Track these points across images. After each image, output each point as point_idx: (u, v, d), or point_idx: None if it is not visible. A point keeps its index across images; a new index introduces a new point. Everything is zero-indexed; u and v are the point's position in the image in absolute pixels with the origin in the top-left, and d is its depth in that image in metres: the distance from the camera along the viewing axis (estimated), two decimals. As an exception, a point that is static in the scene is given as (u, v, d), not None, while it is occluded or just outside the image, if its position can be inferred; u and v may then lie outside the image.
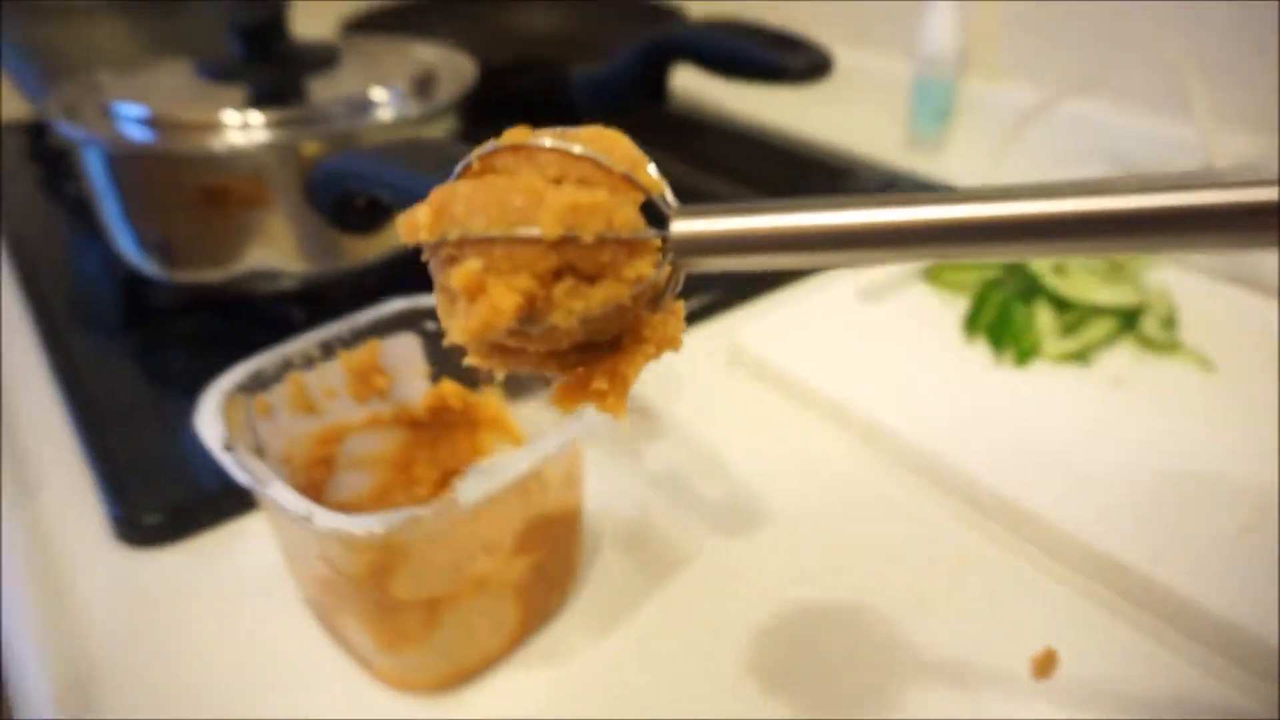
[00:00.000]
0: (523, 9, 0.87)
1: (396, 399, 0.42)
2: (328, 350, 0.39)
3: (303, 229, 0.47)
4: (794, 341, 0.54)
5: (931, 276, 0.60)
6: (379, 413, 0.42)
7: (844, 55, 0.82)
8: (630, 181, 0.23)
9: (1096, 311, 0.55)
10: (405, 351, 0.41)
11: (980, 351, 0.55)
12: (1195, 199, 0.20)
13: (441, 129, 0.53)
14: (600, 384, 0.25)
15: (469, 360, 0.26)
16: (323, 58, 0.51)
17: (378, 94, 0.50)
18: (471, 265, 0.22)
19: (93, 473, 0.45)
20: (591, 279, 0.23)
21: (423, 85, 0.54)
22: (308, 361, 0.39)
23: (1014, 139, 0.80)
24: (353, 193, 0.42)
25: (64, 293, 0.62)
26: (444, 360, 0.42)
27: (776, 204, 0.24)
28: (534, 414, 0.42)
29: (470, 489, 0.31)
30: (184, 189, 0.45)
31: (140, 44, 0.64)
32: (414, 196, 0.35)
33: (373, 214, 0.46)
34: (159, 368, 0.54)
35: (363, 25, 0.84)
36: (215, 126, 0.44)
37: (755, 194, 0.75)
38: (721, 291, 0.59)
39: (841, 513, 0.45)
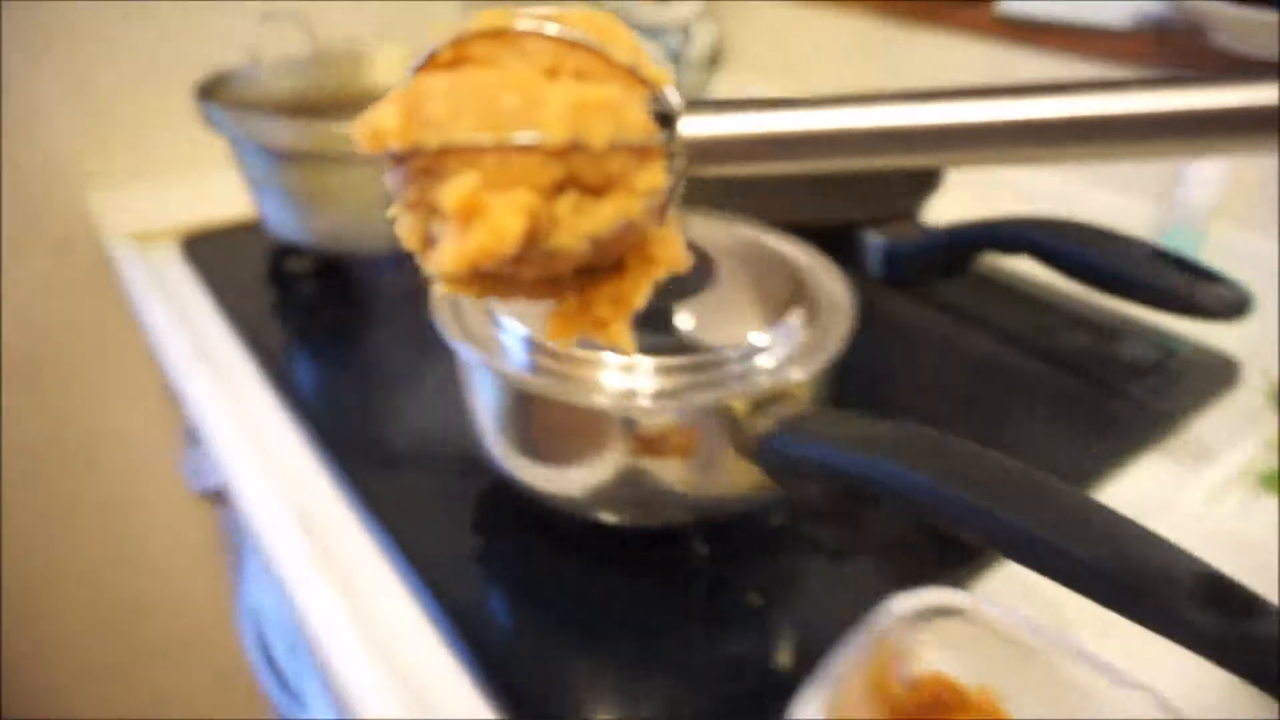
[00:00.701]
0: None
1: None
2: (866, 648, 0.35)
3: (703, 469, 0.41)
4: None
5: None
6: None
7: (1081, 195, 0.79)
8: (635, 75, 0.20)
9: None
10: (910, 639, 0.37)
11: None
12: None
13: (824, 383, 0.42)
14: (602, 311, 0.22)
15: (442, 289, 0.21)
16: (699, 272, 0.43)
17: (761, 337, 0.40)
18: (466, 181, 0.18)
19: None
20: (597, 191, 0.19)
21: (809, 311, 0.43)
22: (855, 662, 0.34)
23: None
24: (815, 473, 0.37)
25: (378, 467, 0.50)
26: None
27: (801, 100, 0.20)
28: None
29: None
30: (574, 430, 0.41)
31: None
32: (880, 488, 0.32)
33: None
34: (528, 589, 0.43)
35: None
36: (597, 365, 0.39)
37: (999, 343, 0.64)
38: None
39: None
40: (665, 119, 0.20)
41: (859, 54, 1.00)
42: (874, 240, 0.60)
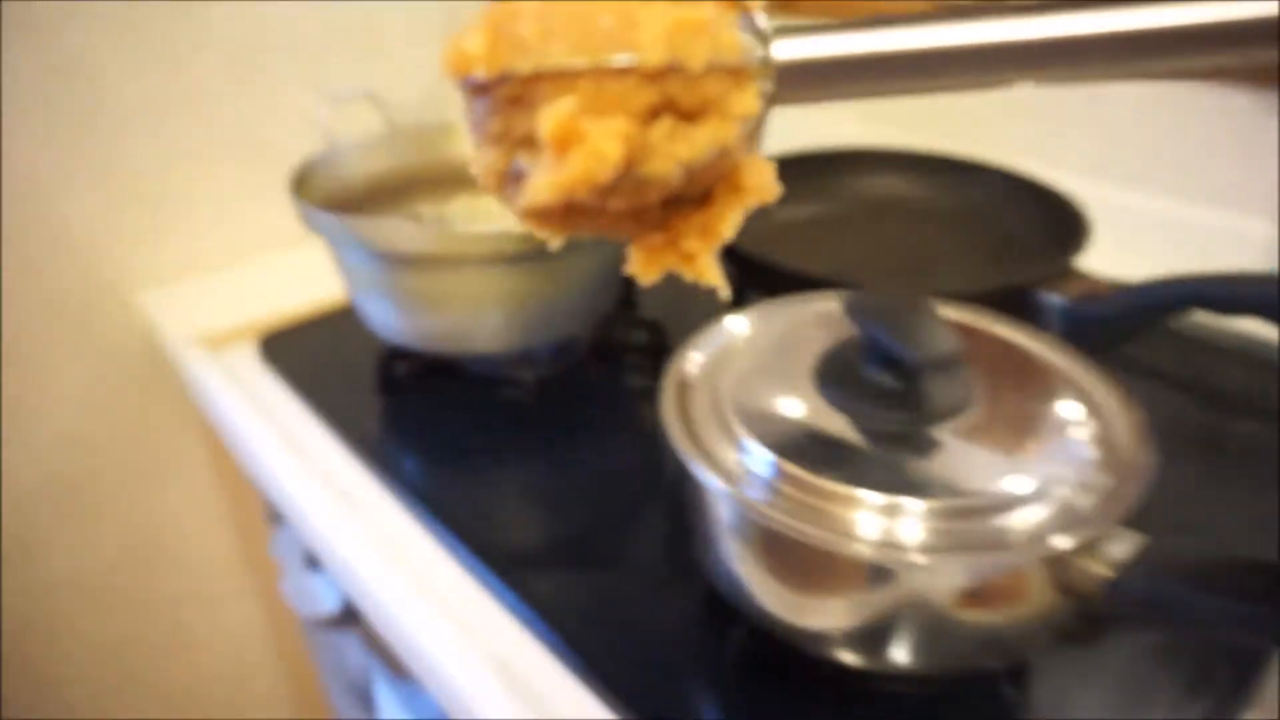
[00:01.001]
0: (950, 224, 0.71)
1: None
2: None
3: (1022, 616, 0.35)
4: None
5: None
6: None
7: (1193, 214, 0.74)
8: None
9: None
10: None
11: None
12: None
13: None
14: (690, 244, 0.21)
15: (525, 225, 0.20)
16: (955, 385, 0.37)
17: (1055, 469, 0.34)
18: (565, 106, 0.18)
19: None
20: (691, 117, 0.19)
21: (1087, 418, 0.36)
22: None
23: None
24: (1166, 615, 0.33)
25: (552, 582, 0.44)
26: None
27: (894, 18, 0.19)
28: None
29: None
30: (853, 577, 0.34)
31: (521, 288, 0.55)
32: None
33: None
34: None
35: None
36: (854, 505, 0.34)
37: (1189, 400, 0.57)
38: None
39: None
40: (757, 41, 0.19)
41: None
42: (1053, 301, 0.54)
